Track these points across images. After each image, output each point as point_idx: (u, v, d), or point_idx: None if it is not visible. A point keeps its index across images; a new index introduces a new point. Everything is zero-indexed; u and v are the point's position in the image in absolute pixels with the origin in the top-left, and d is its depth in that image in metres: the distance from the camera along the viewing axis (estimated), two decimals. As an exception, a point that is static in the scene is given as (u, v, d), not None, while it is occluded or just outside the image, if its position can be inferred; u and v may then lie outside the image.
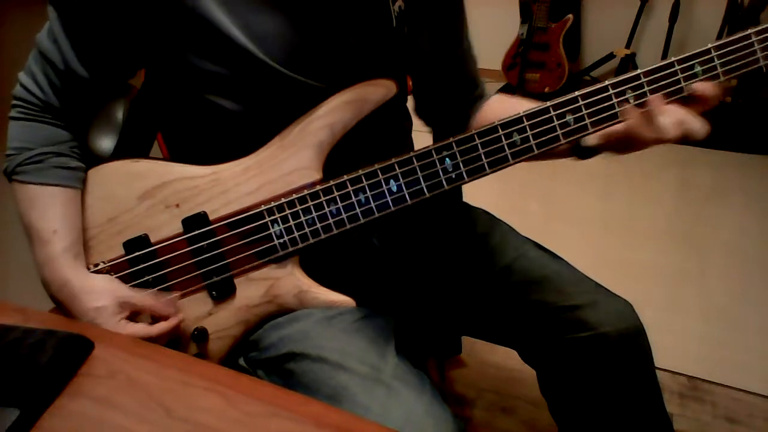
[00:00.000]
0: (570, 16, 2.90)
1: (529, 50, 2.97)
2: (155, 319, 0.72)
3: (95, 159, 0.76)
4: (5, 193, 0.71)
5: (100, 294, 0.69)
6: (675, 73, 0.69)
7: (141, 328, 0.69)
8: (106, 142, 0.82)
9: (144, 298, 0.71)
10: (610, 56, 3.00)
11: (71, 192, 0.71)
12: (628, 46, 2.96)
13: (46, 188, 0.70)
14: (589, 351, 0.76)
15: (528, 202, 2.27)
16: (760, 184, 2.42)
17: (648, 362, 0.79)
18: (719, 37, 2.68)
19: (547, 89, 3.02)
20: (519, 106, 0.71)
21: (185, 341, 0.74)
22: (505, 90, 3.17)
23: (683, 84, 0.69)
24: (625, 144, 0.71)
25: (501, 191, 2.26)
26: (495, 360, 1.51)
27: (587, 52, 3.19)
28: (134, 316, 0.71)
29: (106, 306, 0.68)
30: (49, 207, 0.70)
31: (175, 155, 0.83)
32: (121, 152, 0.82)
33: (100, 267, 0.73)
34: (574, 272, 0.83)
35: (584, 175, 2.42)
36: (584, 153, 0.76)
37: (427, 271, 0.87)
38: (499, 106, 0.88)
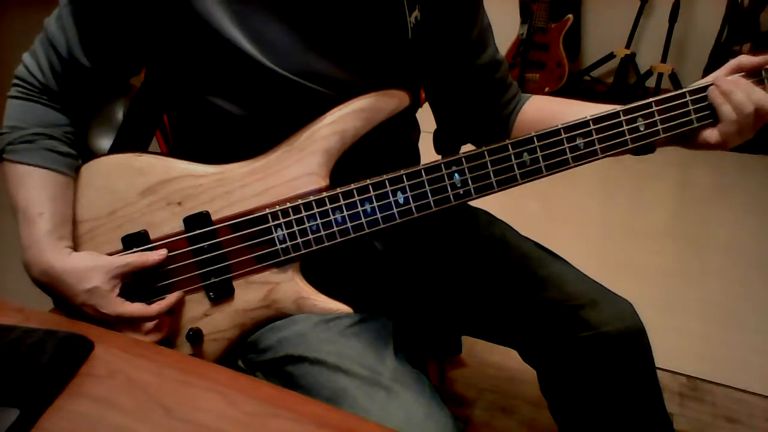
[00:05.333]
0: (570, 16, 2.89)
1: (529, 50, 2.97)
2: (152, 299, 0.71)
3: (92, 157, 0.76)
4: (4, 193, 0.71)
5: (87, 273, 0.67)
6: (686, 104, 0.69)
7: (138, 308, 0.69)
8: (105, 142, 0.82)
9: (130, 259, 0.70)
10: (610, 56, 3.00)
11: (59, 177, 0.71)
12: (628, 46, 2.96)
13: (34, 169, 0.69)
14: (590, 351, 0.76)
15: (528, 202, 2.27)
16: (760, 184, 2.43)
17: (648, 362, 0.78)
18: (719, 37, 2.68)
19: (547, 89, 3.02)
20: (557, 112, 0.69)
21: (179, 342, 0.74)
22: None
23: (694, 116, 0.69)
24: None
25: (501, 191, 2.26)
26: (495, 360, 1.51)
27: (587, 52, 3.19)
28: (131, 294, 0.70)
29: (97, 286, 0.67)
30: (36, 189, 0.69)
31: (180, 153, 0.83)
32: (118, 149, 0.82)
33: None
34: (574, 272, 0.83)
35: (585, 175, 2.41)
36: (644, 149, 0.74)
37: (427, 272, 0.87)
38: (538, 114, 0.85)
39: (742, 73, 0.68)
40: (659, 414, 0.81)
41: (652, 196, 2.36)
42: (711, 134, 0.69)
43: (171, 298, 0.71)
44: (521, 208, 2.24)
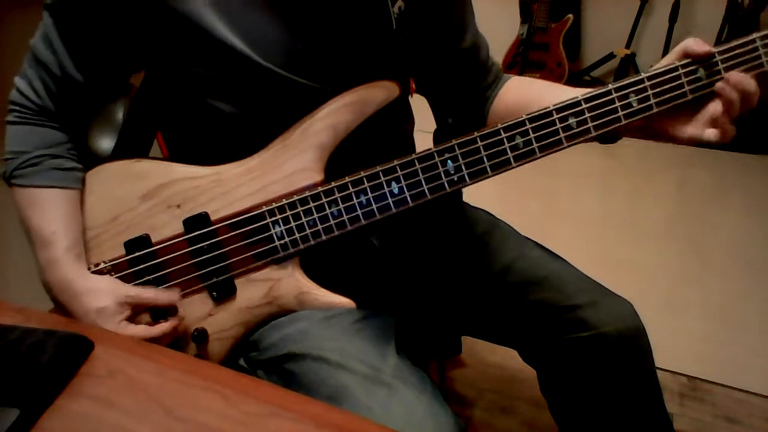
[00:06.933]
0: (570, 16, 2.90)
1: (529, 50, 2.97)
2: (157, 318, 0.72)
3: (95, 159, 0.76)
4: (4, 194, 0.71)
5: (102, 294, 0.69)
6: (679, 77, 0.68)
7: (142, 329, 0.69)
8: (105, 142, 0.82)
9: (145, 293, 0.71)
10: (610, 56, 3.00)
11: (69, 193, 0.72)
12: (628, 46, 2.96)
13: (43, 190, 0.70)
14: (590, 351, 0.76)
15: (528, 201, 2.27)
16: (760, 184, 2.43)
17: (648, 362, 0.79)
18: (719, 37, 2.68)
19: (547, 89, 3.02)
20: (533, 91, 0.68)
21: (185, 342, 0.74)
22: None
23: (687, 88, 0.68)
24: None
25: (501, 191, 2.25)
26: (495, 360, 1.51)
27: (587, 52, 3.19)
28: (137, 315, 0.71)
29: (107, 306, 0.68)
30: (47, 209, 0.70)
31: (176, 155, 0.83)
32: (120, 151, 0.82)
33: (100, 267, 0.73)
34: (574, 272, 0.83)
35: (585, 174, 2.42)
36: (611, 139, 0.74)
37: (427, 271, 0.87)
38: (516, 94, 0.86)
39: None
40: (659, 414, 0.81)
41: (652, 196, 2.36)
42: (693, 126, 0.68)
43: (173, 322, 0.71)
44: (521, 207, 2.24)
